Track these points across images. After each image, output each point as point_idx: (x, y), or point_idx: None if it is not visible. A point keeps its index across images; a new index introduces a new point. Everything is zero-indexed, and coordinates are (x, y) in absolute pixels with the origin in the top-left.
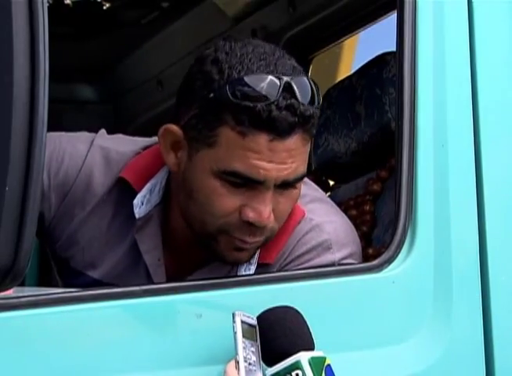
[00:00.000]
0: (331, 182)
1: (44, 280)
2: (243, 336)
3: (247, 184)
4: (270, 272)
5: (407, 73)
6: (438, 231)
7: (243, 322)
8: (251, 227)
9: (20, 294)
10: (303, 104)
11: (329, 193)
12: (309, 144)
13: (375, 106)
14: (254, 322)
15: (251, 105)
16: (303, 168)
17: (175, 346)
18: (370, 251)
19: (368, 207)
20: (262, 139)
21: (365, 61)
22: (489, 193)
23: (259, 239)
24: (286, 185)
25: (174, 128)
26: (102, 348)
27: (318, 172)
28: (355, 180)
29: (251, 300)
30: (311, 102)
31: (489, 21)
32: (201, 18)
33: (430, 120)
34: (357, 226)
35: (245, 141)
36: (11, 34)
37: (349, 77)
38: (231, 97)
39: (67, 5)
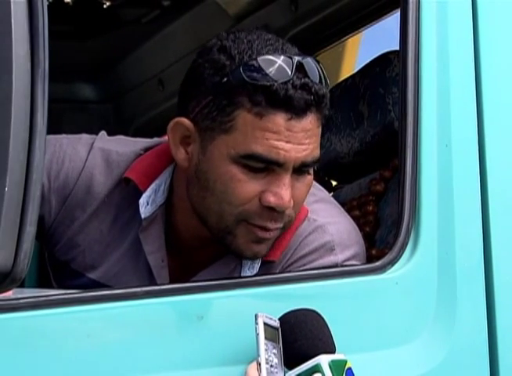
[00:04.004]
0: (334, 183)
1: (43, 282)
2: (265, 338)
3: (266, 169)
4: (272, 274)
5: (411, 72)
6: (442, 232)
7: (265, 323)
8: (272, 213)
9: (20, 296)
10: (316, 83)
11: (331, 194)
12: (321, 127)
13: (378, 106)
14: (277, 324)
15: (268, 84)
16: (318, 151)
17: (176, 348)
18: (373, 252)
19: (371, 208)
20: (280, 119)
21: (369, 60)
22: (493, 194)
23: (279, 225)
24: (303, 167)
25: (185, 120)
26: (102, 350)
27: (320, 173)
28: (358, 180)
29: (253, 301)
30: (321, 81)
31: (494, 19)
32: (202, 17)
33: (434, 119)
34: (360, 227)
35: (262, 122)
36: (10, 33)
37: (352, 77)
38: (246, 78)
39: (67, 3)
